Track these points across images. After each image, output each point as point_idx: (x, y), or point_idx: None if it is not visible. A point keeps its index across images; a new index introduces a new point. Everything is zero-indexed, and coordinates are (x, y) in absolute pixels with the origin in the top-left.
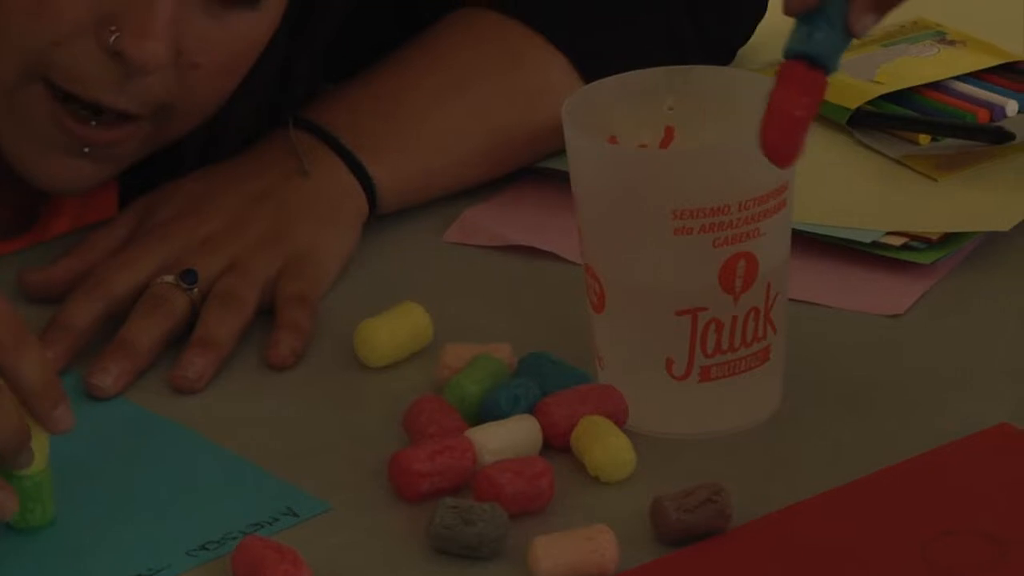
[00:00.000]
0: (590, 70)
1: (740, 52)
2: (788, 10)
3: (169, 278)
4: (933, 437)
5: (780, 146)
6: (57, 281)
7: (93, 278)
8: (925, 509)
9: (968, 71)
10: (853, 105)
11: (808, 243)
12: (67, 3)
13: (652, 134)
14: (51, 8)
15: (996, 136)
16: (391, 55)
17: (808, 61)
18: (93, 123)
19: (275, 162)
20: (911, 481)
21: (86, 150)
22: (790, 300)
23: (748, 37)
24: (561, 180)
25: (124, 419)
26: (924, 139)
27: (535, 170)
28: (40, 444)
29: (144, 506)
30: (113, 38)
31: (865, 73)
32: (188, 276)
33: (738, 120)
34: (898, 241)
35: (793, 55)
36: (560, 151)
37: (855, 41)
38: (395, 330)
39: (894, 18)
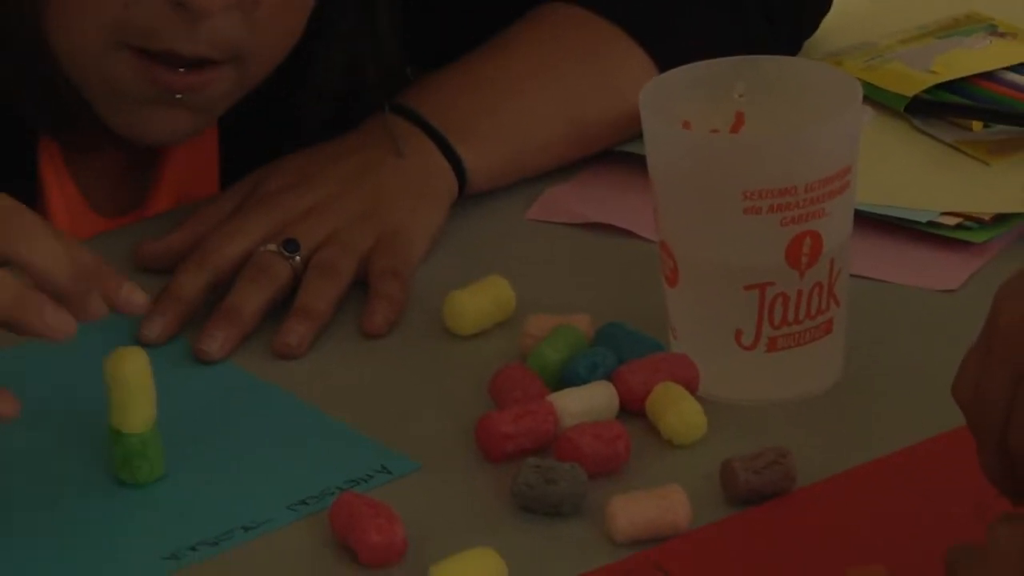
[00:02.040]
0: (667, 63)
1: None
2: None
3: (272, 247)
4: None
5: None
6: (170, 251)
7: (200, 249)
8: (978, 474)
9: (1019, 61)
10: (910, 93)
11: (868, 222)
12: None
13: (723, 120)
14: None
15: None
16: (480, 46)
17: None
18: (181, 70)
19: (373, 143)
20: (964, 447)
21: (179, 96)
22: (851, 276)
23: (814, 32)
24: (638, 163)
25: (228, 383)
26: (977, 125)
27: (613, 153)
28: (145, 406)
29: (247, 464)
30: None
31: (922, 63)
32: (290, 245)
33: (804, 106)
34: (953, 221)
35: None
36: (637, 136)
37: (911, 28)
38: (481, 301)
39: (948, 11)
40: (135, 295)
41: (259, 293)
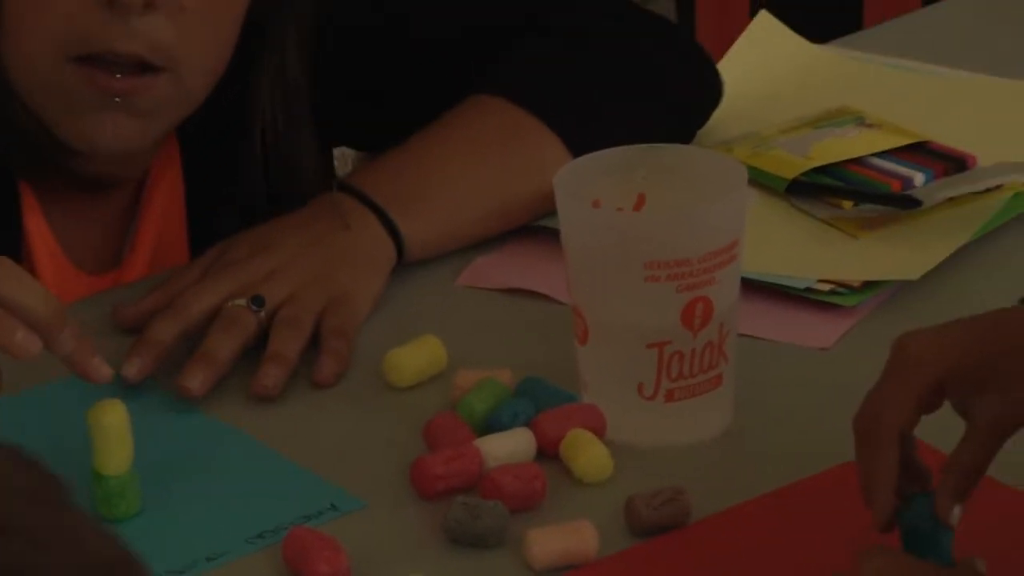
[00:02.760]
0: (578, 149)
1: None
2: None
3: (240, 302)
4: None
5: None
6: (147, 311)
7: (175, 303)
8: (849, 509)
9: (884, 149)
10: (790, 176)
11: (754, 288)
12: None
13: (627, 200)
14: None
15: (906, 203)
16: (418, 132)
17: None
18: (118, 75)
19: (323, 217)
20: (838, 486)
21: (117, 100)
22: (739, 335)
23: (706, 122)
24: (554, 236)
25: (197, 429)
26: (847, 204)
27: (533, 227)
28: (123, 451)
29: (212, 501)
30: None
31: (800, 150)
32: (257, 300)
33: (697, 188)
34: (826, 287)
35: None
36: (553, 212)
37: (791, 120)
38: (416, 358)
39: (823, 105)
40: (103, 368)
41: (231, 340)
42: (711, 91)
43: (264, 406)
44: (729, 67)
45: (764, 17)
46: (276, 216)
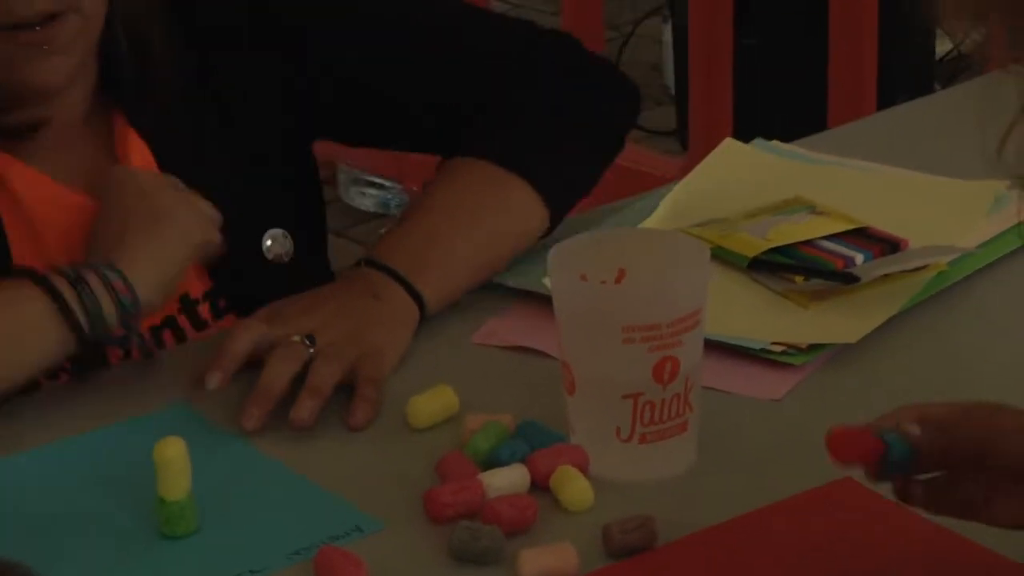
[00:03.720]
0: (554, 202)
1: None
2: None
3: (296, 338)
4: (800, 483)
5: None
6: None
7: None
8: (796, 535)
9: (830, 233)
10: (751, 254)
11: (718, 348)
12: None
13: (610, 273)
14: None
15: (847, 279)
16: (418, 204)
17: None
18: (37, 28)
19: (357, 287)
20: (788, 516)
21: (45, 47)
22: (704, 387)
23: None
24: (550, 303)
25: (246, 461)
26: (799, 279)
27: (535, 294)
28: (183, 480)
29: (257, 522)
30: None
31: (760, 233)
32: (310, 338)
33: (667, 265)
34: (779, 348)
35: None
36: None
37: (753, 208)
38: (432, 403)
39: (780, 196)
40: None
41: (289, 365)
42: (634, 108)
43: (302, 441)
44: (702, 173)
45: (729, 142)
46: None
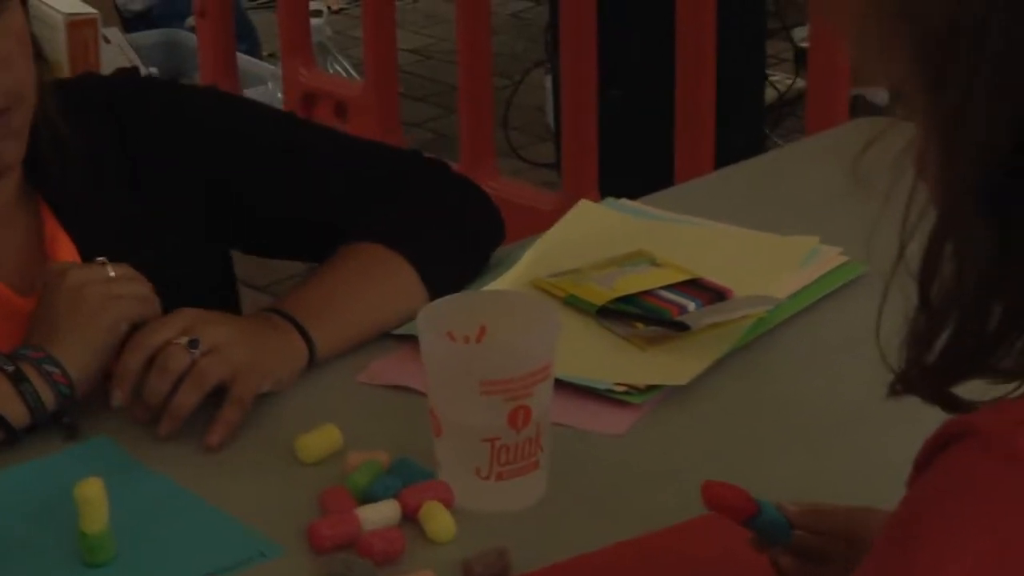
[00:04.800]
0: (426, 277)
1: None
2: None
3: (182, 340)
4: (641, 520)
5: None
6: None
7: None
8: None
9: (667, 283)
10: (599, 303)
11: (568, 387)
12: None
13: (472, 330)
14: None
15: (679, 327)
16: (315, 272)
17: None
18: None
19: (259, 319)
20: (642, 552)
21: None
22: (554, 423)
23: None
24: None
25: (159, 491)
26: (640, 325)
27: (414, 339)
28: (101, 515)
29: (171, 548)
30: None
31: (607, 284)
32: (193, 342)
33: (522, 323)
34: (621, 388)
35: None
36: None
37: (602, 260)
38: (320, 441)
39: (625, 249)
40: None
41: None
42: (499, 230)
43: (212, 472)
44: (560, 229)
45: (584, 204)
46: None
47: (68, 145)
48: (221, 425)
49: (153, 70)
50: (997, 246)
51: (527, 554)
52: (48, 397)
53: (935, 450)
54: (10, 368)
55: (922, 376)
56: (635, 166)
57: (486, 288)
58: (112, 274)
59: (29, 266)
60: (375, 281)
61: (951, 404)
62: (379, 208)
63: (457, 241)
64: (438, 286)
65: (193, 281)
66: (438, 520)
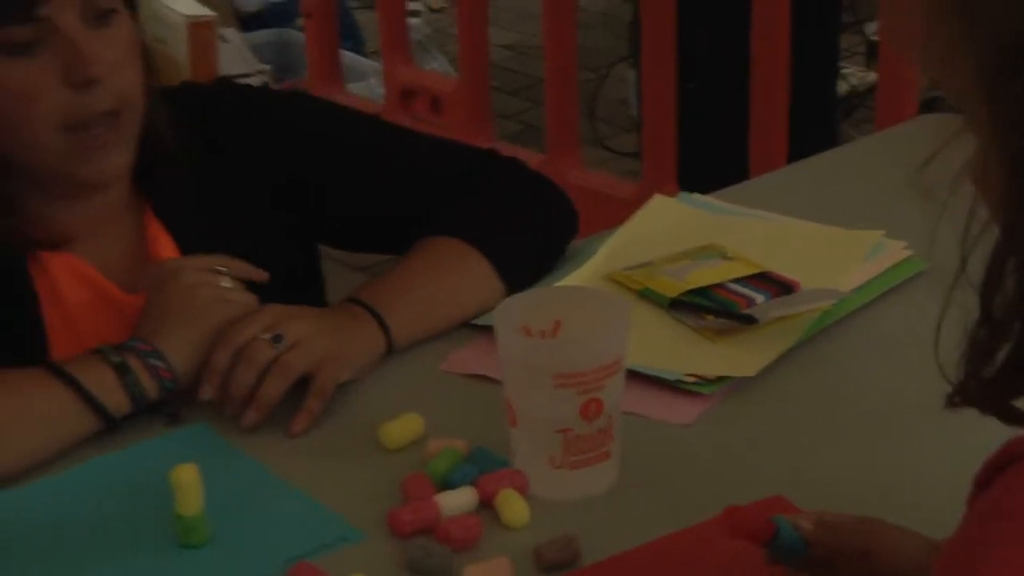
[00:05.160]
0: (502, 270)
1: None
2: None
3: (266, 336)
4: (708, 508)
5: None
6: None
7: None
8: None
9: (737, 276)
10: (672, 295)
11: (640, 377)
12: (45, 89)
13: (548, 324)
14: (46, 96)
15: (747, 320)
16: (395, 265)
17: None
18: (100, 126)
19: (338, 310)
20: (707, 538)
21: (105, 145)
22: (626, 412)
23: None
24: None
25: (250, 476)
26: (710, 318)
27: (490, 329)
28: (196, 499)
29: (261, 531)
30: (77, 80)
31: (679, 276)
32: (276, 337)
33: (594, 318)
34: (691, 379)
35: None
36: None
37: (675, 254)
38: (402, 429)
39: (697, 243)
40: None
41: (252, 372)
42: (573, 225)
43: (301, 459)
44: (635, 223)
45: (658, 198)
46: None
47: (172, 152)
48: (304, 414)
49: (267, 66)
50: None
51: (598, 541)
52: (151, 389)
53: (996, 469)
54: (116, 360)
55: (981, 389)
56: (713, 157)
57: (563, 281)
58: (226, 284)
59: (134, 266)
60: (450, 273)
61: (1012, 417)
62: (456, 204)
63: (531, 235)
64: (512, 278)
65: (282, 277)
66: (513, 507)
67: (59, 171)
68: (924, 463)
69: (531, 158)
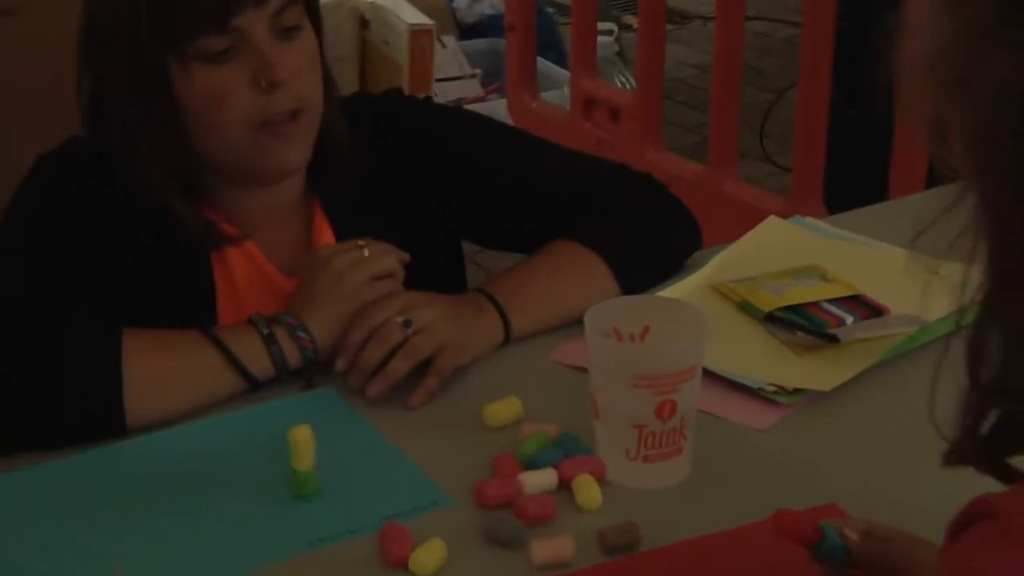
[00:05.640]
0: (622, 277)
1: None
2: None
3: (399, 319)
4: (771, 509)
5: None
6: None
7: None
8: (766, 557)
9: (832, 297)
10: (768, 309)
11: (725, 381)
12: (236, 91)
13: (638, 328)
14: (237, 97)
15: (831, 338)
16: (522, 262)
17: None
18: (286, 122)
19: (466, 300)
20: (757, 536)
21: (289, 139)
22: (707, 412)
23: (688, 257)
24: None
25: (366, 437)
26: (800, 333)
27: None
28: (309, 455)
29: (362, 489)
30: (264, 83)
31: (778, 293)
32: (407, 322)
33: (679, 326)
34: (772, 388)
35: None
36: None
37: (777, 271)
38: (503, 410)
39: (799, 263)
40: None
41: (382, 348)
42: (695, 240)
43: (410, 426)
44: (748, 240)
45: (772, 220)
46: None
47: (343, 154)
48: (422, 390)
49: (477, 71)
50: None
51: (661, 530)
52: (294, 357)
53: (961, 526)
54: (265, 331)
55: (976, 449)
56: (857, 179)
57: (672, 287)
58: (366, 253)
59: (296, 252)
60: (571, 274)
61: (1006, 475)
62: (586, 212)
63: (652, 246)
64: (630, 283)
65: (428, 270)
66: (587, 491)
67: (246, 164)
68: (982, 490)
69: (693, 168)
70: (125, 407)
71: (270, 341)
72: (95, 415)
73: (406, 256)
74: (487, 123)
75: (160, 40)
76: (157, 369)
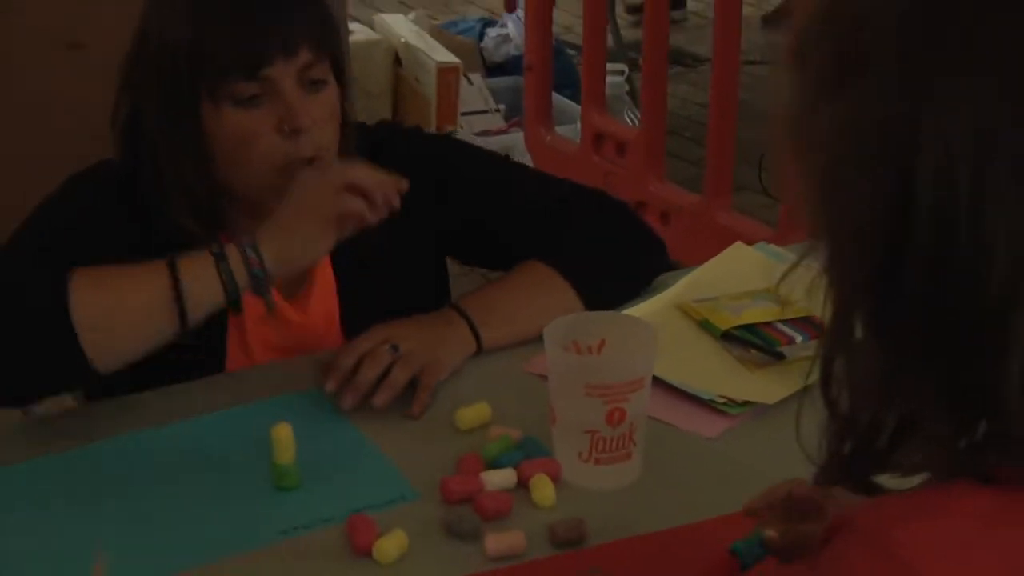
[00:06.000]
0: (586, 298)
1: None
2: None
3: (387, 346)
4: (715, 511)
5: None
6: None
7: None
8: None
9: (785, 318)
10: (725, 327)
11: (679, 392)
12: (262, 134)
13: (594, 341)
14: (262, 140)
15: (779, 356)
16: (493, 282)
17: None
18: (305, 169)
19: (439, 318)
20: (707, 534)
21: None
22: (658, 420)
23: (654, 279)
24: None
25: (346, 435)
26: (753, 351)
27: None
28: (290, 450)
29: (340, 482)
30: (287, 128)
31: (736, 312)
32: (395, 346)
33: (631, 340)
34: (722, 400)
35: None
36: None
37: (738, 293)
38: (473, 414)
39: (758, 286)
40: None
41: (376, 368)
42: (660, 264)
43: (389, 426)
44: (714, 263)
45: (738, 245)
46: None
47: None
48: (418, 403)
49: (501, 106)
50: (880, 369)
51: (608, 527)
52: (241, 276)
53: (825, 540)
54: (217, 250)
55: (841, 471)
56: None
57: (639, 304)
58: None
59: (296, 279)
60: (539, 294)
61: (871, 492)
62: (558, 235)
63: (616, 267)
64: (593, 302)
65: (416, 290)
66: (542, 490)
67: (264, 200)
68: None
69: (690, 199)
70: (81, 342)
71: (220, 259)
72: (56, 352)
73: (404, 184)
74: (474, 150)
75: (196, 81)
76: (101, 305)
